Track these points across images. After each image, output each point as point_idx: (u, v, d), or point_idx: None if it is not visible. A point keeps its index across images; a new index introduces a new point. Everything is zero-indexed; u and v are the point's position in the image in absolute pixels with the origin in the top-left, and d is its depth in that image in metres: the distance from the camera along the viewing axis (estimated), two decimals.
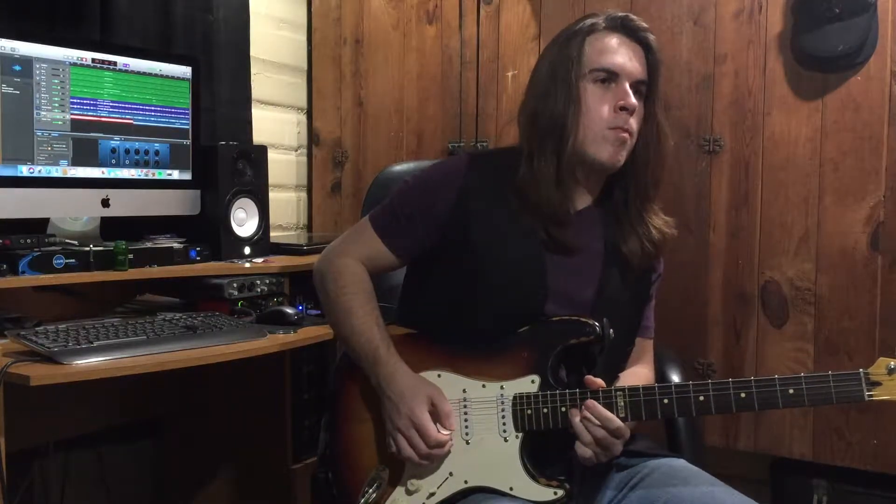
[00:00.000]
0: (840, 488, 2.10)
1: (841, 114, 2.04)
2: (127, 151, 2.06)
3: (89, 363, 1.50)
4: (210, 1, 2.48)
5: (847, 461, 2.06)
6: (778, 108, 2.12)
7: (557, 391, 1.32)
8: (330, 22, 2.81)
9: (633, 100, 1.37)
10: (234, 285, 2.04)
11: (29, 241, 1.79)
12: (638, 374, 1.49)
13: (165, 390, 2.24)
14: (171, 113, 2.15)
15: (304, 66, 2.90)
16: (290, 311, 1.94)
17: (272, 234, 2.37)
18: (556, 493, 1.30)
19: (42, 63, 1.87)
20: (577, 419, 1.29)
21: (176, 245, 2.08)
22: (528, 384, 1.35)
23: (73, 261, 1.84)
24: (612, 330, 1.35)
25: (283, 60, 2.83)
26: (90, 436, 2.20)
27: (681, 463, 1.40)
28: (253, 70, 2.65)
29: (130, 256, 1.92)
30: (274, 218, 2.53)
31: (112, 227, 2.07)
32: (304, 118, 2.92)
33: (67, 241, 1.92)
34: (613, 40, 1.38)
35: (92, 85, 1.98)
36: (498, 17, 2.49)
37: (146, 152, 2.10)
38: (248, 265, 2.16)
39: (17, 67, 1.83)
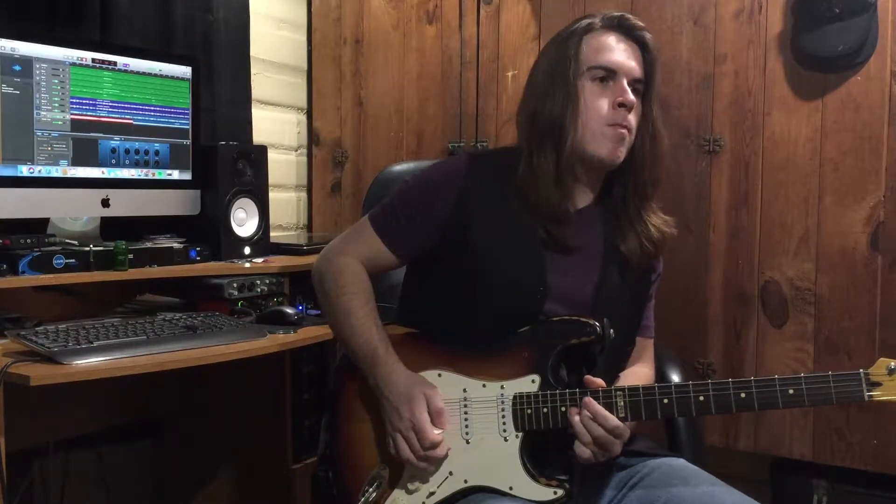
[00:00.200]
0: (840, 488, 2.10)
1: (841, 114, 2.04)
2: (127, 151, 2.06)
3: (89, 363, 1.50)
4: (210, 1, 2.48)
5: (847, 461, 2.06)
6: (778, 108, 2.12)
7: (557, 391, 1.33)
8: (330, 22, 2.81)
9: (631, 96, 1.37)
10: (234, 285, 2.04)
11: (29, 241, 1.80)
12: (638, 373, 1.49)
13: (165, 390, 2.24)
14: (171, 113, 2.15)
15: (304, 66, 2.90)
16: (290, 311, 1.94)
17: (272, 234, 2.37)
18: (555, 493, 1.30)
19: (42, 63, 1.87)
20: (576, 418, 1.29)
21: (176, 245, 2.08)
22: (529, 384, 1.35)
23: (73, 261, 1.84)
24: (612, 330, 1.35)
25: (283, 60, 2.83)
26: (90, 436, 2.20)
27: (681, 462, 1.40)
28: (253, 70, 2.65)
29: (130, 256, 1.92)
30: (274, 218, 2.53)
31: (112, 227, 2.07)
32: (304, 118, 2.92)
33: (67, 241, 1.92)
34: (611, 39, 1.39)
35: (92, 85, 1.98)
36: (498, 17, 2.49)
37: (146, 152, 2.10)
38: (248, 265, 2.16)
39: (17, 67, 1.83)
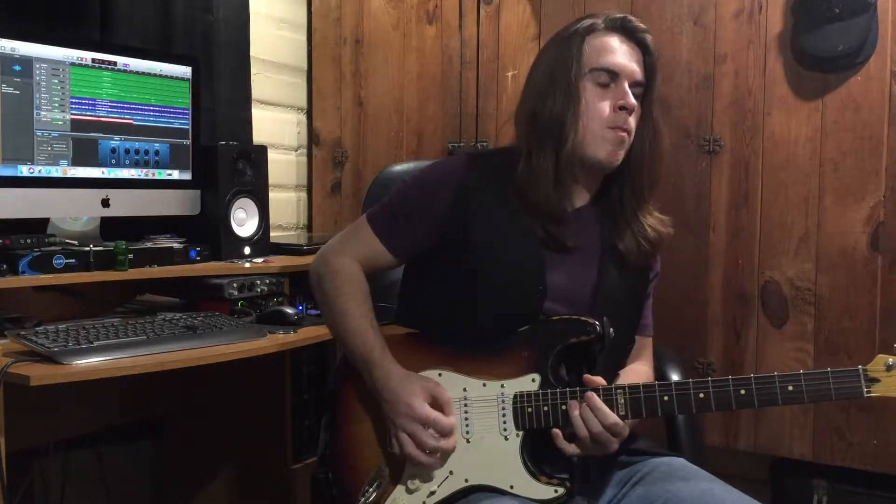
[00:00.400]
0: (840, 488, 2.10)
1: (841, 114, 2.04)
2: (127, 151, 2.06)
3: (89, 363, 1.50)
4: (210, 1, 2.48)
5: (847, 461, 2.06)
6: (778, 108, 2.12)
7: (558, 389, 1.33)
8: (330, 22, 2.81)
9: (632, 99, 1.37)
10: (234, 285, 2.04)
11: (29, 241, 1.80)
12: (637, 371, 1.50)
13: (165, 390, 2.24)
14: (171, 113, 2.15)
15: (304, 66, 2.90)
16: (290, 311, 1.94)
17: (272, 234, 2.37)
18: (556, 492, 1.31)
19: (42, 63, 1.87)
20: (575, 412, 1.29)
21: (176, 245, 2.08)
22: (529, 383, 1.35)
23: (73, 261, 1.84)
24: (612, 329, 1.36)
25: (283, 60, 2.83)
26: (90, 436, 2.20)
27: (681, 462, 1.40)
28: (253, 70, 2.65)
29: (130, 256, 1.92)
30: (274, 218, 2.53)
31: (112, 227, 2.07)
32: (304, 118, 2.92)
33: (67, 241, 1.92)
34: (613, 40, 1.39)
35: (92, 85, 1.98)
36: (498, 17, 2.50)
37: (146, 152, 2.10)
38: (248, 265, 2.16)
39: (17, 67, 1.83)
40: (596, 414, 1.27)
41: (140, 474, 2.39)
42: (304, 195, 2.92)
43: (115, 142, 2.04)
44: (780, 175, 2.12)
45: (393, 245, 1.46)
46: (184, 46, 2.39)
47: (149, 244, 2.06)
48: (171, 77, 2.15)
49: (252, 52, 2.64)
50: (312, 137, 2.88)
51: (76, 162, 1.96)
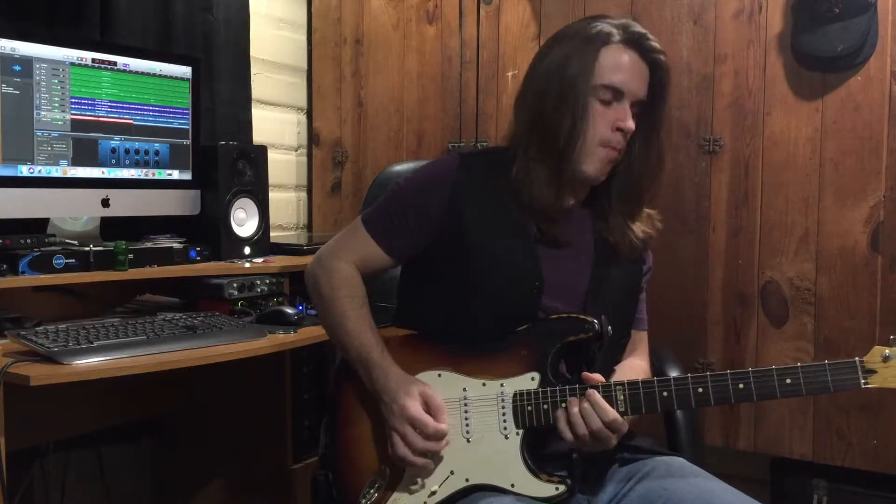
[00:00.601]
0: (840, 488, 2.10)
1: (841, 114, 2.04)
2: (127, 151, 2.06)
3: (89, 363, 1.50)
4: (210, 1, 2.48)
5: (847, 461, 2.06)
6: (778, 108, 2.12)
7: (557, 387, 1.33)
8: (330, 22, 2.81)
9: (632, 124, 1.37)
10: (234, 285, 2.04)
11: (29, 241, 1.80)
12: (634, 365, 1.51)
13: (165, 390, 2.24)
14: (170, 113, 2.15)
15: (304, 66, 2.90)
16: (290, 311, 1.94)
17: (272, 234, 2.37)
18: (557, 489, 1.31)
19: (42, 63, 1.88)
20: (574, 409, 1.29)
21: (176, 245, 2.08)
22: (528, 381, 1.35)
23: (73, 261, 1.84)
24: (610, 327, 1.36)
25: (283, 60, 2.83)
26: (90, 436, 2.20)
27: (681, 461, 1.40)
28: (253, 70, 2.65)
29: (130, 256, 1.92)
30: (274, 218, 2.53)
31: (112, 227, 2.07)
32: (304, 118, 2.92)
33: (67, 241, 1.93)
34: (626, 57, 1.37)
35: (92, 85, 1.98)
36: (498, 17, 2.49)
37: (146, 152, 2.10)
38: (248, 265, 2.16)
39: (17, 67, 1.83)
40: (596, 411, 1.28)
41: (140, 474, 2.39)
42: (304, 195, 2.92)
43: (115, 142, 2.04)
44: (780, 175, 2.12)
45: (388, 246, 1.46)
46: (184, 46, 2.39)
47: (149, 244, 2.06)
48: (171, 77, 2.15)
49: (252, 52, 2.64)
50: (312, 137, 2.88)
51: (76, 162, 1.96)
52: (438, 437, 1.32)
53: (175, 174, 2.17)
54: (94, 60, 1.98)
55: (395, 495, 1.36)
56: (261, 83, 2.72)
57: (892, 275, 2.00)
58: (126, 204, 2.06)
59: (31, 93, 1.85)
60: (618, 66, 1.36)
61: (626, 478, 1.38)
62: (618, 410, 1.28)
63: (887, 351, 1.21)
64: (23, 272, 1.75)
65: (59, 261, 1.81)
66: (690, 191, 2.22)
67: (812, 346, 2.07)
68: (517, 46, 2.46)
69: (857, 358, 1.22)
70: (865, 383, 1.21)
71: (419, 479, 1.35)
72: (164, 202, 2.15)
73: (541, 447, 1.36)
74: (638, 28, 1.38)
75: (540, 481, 1.31)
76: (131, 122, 2.07)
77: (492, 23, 2.50)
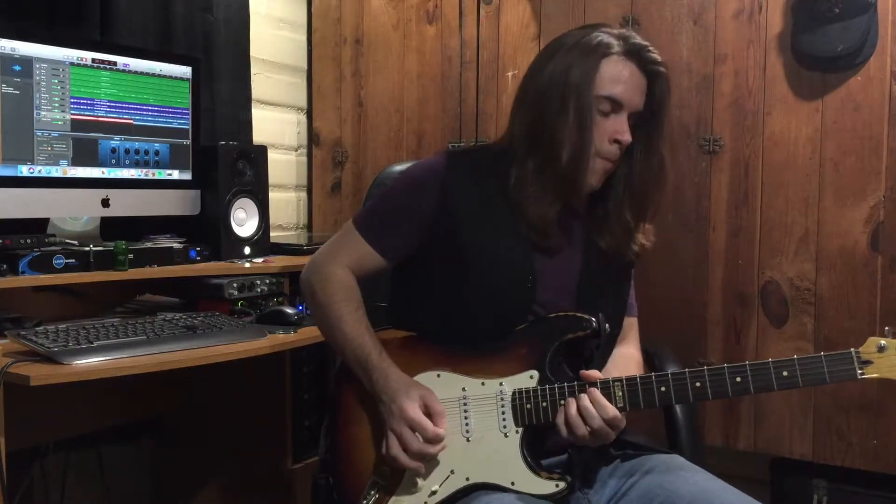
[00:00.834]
0: (840, 488, 2.10)
1: (841, 114, 2.04)
2: (127, 151, 2.06)
3: (89, 363, 1.50)
4: (210, 1, 2.48)
5: (847, 461, 2.06)
6: (778, 108, 2.12)
7: (556, 385, 1.33)
8: (330, 22, 2.81)
9: (629, 136, 1.37)
10: (234, 285, 2.04)
11: (29, 241, 1.80)
12: (626, 355, 1.51)
13: (165, 390, 2.24)
14: (170, 113, 2.15)
15: (304, 66, 2.90)
16: (290, 311, 1.94)
17: (272, 234, 2.37)
18: (557, 486, 1.31)
19: (42, 63, 1.87)
20: (572, 409, 1.29)
21: (176, 245, 2.08)
22: (527, 379, 1.35)
23: (73, 261, 1.84)
24: (608, 325, 1.37)
25: (283, 60, 2.83)
26: (90, 436, 2.20)
27: (680, 460, 1.41)
28: (253, 70, 2.65)
29: (130, 256, 1.92)
30: (274, 218, 2.53)
31: (112, 227, 2.07)
32: (304, 118, 2.92)
33: (67, 241, 1.93)
34: (626, 70, 1.37)
35: (92, 85, 1.98)
36: (498, 17, 2.49)
37: (146, 152, 2.10)
38: (248, 265, 2.16)
39: (17, 67, 1.83)
40: (597, 409, 1.28)
41: (140, 474, 2.39)
42: (304, 195, 2.92)
43: (115, 142, 2.04)
44: (780, 175, 2.12)
45: (382, 247, 1.46)
46: (184, 46, 2.39)
47: (149, 244, 2.06)
48: (171, 77, 2.15)
49: (252, 52, 2.64)
50: (312, 137, 2.88)
51: (76, 162, 1.96)
52: (436, 440, 1.32)
53: (175, 174, 2.17)
54: (94, 60, 1.98)
55: (396, 496, 1.36)
56: (261, 83, 2.72)
57: (892, 275, 2.00)
58: (126, 204, 2.06)
59: (31, 93, 1.85)
60: (618, 77, 1.36)
61: (627, 474, 1.39)
62: (616, 406, 1.29)
63: (882, 342, 1.21)
64: (23, 272, 1.75)
65: (59, 261, 1.81)
66: (690, 191, 2.22)
67: (812, 346, 2.07)
68: (517, 46, 2.46)
69: (852, 349, 1.23)
70: (861, 374, 1.22)
71: (419, 480, 1.35)
72: (164, 202, 2.15)
73: (540, 445, 1.36)
74: (638, 40, 1.39)
75: (540, 479, 1.32)
76: (131, 122, 2.07)
77: (492, 23, 2.50)
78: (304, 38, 2.89)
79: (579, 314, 1.37)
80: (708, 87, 2.20)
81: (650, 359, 1.67)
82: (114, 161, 2.03)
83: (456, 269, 1.41)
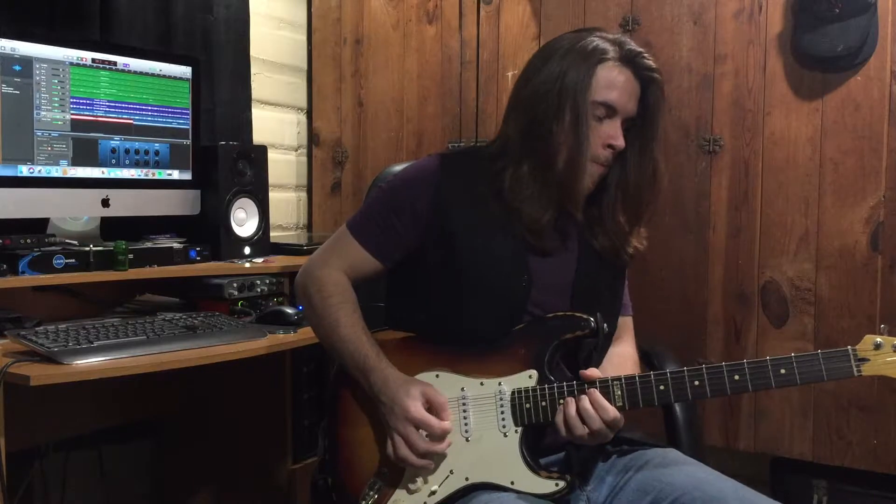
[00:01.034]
0: (840, 488, 2.10)
1: (841, 114, 2.04)
2: (127, 151, 2.06)
3: (89, 363, 1.50)
4: (210, 1, 2.48)
5: (847, 461, 2.06)
6: (778, 108, 2.12)
7: (555, 385, 1.33)
8: (330, 22, 2.81)
9: (622, 141, 1.38)
10: (234, 285, 2.05)
11: (29, 241, 1.80)
12: (622, 353, 1.52)
13: (165, 390, 2.24)
14: (170, 113, 2.15)
15: (304, 66, 2.90)
16: (290, 311, 1.94)
17: (272, 234, 2.37)
18: (556, 485, 1.31)
19: (42, 63, 1.88)
20: (571, 409, 1.29)
21: (176, 245, 2.08)
22: (526, 379, 1.35)
23: (73, 261, 1.84)
24: (606, 324, 1.37)
25: (283, 60, 2.83)
26: (90, 436, 2.20)
27: (675, 453, 1.42)
28: (253, 70, 2.65)
29: (130, 256, 1.92)
30: (274, 218, 2.53)
31: (112, 227, 2.07)
32: (304, 118, 2.92)
33: (67, 241, 1.93)
34: (621, 76, 1.38)
35: (92, 85, 1.98)
36: (498, 17, 2.49)
37: (146, 152, 2.10)
38: (248, 265, 2.16)
39: (17, 67, 1.83)
40: (598, 410, 1.28)
41: (139, 474, 2.39)
42: (304, 195, 2.92)
43: (115, 142, 2.04)
44: (780, 175, 2.12)
45: (376, 250, 1.47)
46: (184, 46, 2.39)
47: (149, 244, 2.06)
48: (171, 77, 2.15)
49: (252, 52, 2.64)
50: (312, 137, 2.88)
51: (76, 162, 1.96)
52: (443, 436, 1.32)
53: (175, 174, 2.17)
54: (94, 60, 1.98)
55: (396, 496, 1.36)
56: (261, 83, 2.72)
57: (892, 275, 2.00)
58: (126, 204, 2.06)
59: (31, 93, 1.85)
60: (613, 84, 1.37)
61: (623, 470, 1.39)
62: (615, 405, 1.29)
63: (879, 339, 1.22)
64: (23, 272, 1.75)
65: (59, 261, 1.81)
66: (690, 191, 2.22)
67: (812, 346, 2.07)
68: (517, 46, 2.46)
69: (849, 347, 1.23)
70: (858, 371, 1.22)
71: (419, 480, 1.35)
72: (164, 202, 2.15)
73: (539, 444, 1.37)
74: (633, 46, 1.40)
75: (540, 478, 1.32)
76: (131, 122, 2.07)
77: (492, 23, 2.50)
78: (304, 38, 2.89)
79: (578, 314, 1.38)
80: (708, 87, 2.20)
81: (650, 358, 1.67)
82: (114, 161, 2.04)
83: (451, 270, 1.41)
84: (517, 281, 1.40)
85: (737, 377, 1.27)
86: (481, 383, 1.37)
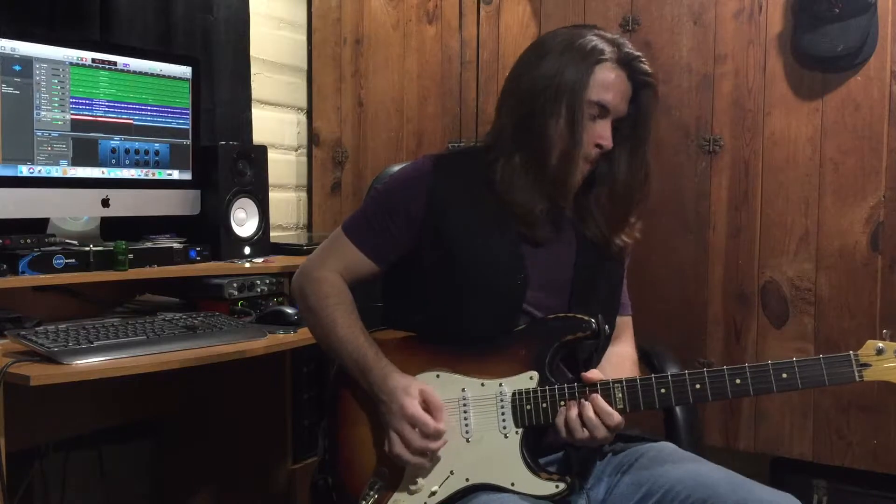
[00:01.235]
0: (840, 488, 2.10)
1: (841, 114, 2.04)
2: (127, 151, 2.06)
3: (89, 363, 1.50)
4: (210, 1, 2.48)
5: (847, 461, 2.06)
6: (778, 108, 2.12)
7: (556, 386, 1.33)
8: (330, 22, 2.81)
9: (611, 142, 1.39)
10: (234, 285, 2.05)
11: (29, 241, 1.80)
12: (622, 353, 1.52)
13: (165, 390, 2.24)
14: (170, 113, 2.15)
15: (304, 66, 2.90)
16: (290, 311, 1.94)
17: (272, 234, 2.37)
18: (557, 487, 1.31)
19: (42, 63, 1.88)
20: (573, 412, 1.29)
21: (176, 245, 2.08)
22: (527, 380, 1.35)
23: (73, 261, 1.84)
24: (607, 325, 1.37)
25: (283, 60, 2.83)
26: (90, 436, 2.20)
27: (670, 447, 1.42)
28: (253, 70, 2.65)
29: (130, 256, 1.92)
30: (274, 218, 2.53)
31: (112, 227, 2.07)
32: (304, 118, 2.92)
33: (67, 241, 1.93)
34: (616, 77, 1.39)
35: (92, 85, 1.98)
36: (498, 17, 2.49)
37: (146, 152, 2.10)
38: (248, 265, 2.16)
39: (17, 67, 1.83)
40: (601, 416, 1.28)
41: (139, 474, 2.39)
42: (304, 195, 2.92)
43: (115, 142, 2.04)
44: (780, 175, 2.12)
45: (372, 252, 1.47)
46: (184, 46, 2.39)
47: (149, 244, 2.06)
48: (171, 77, 2.15)
49: (252, 52, 2.64)
50: (312, 137, 2.88)
51: (76, 162, 1.96)
52: (437, 436, 1.33)
53: (175, 174, 2.17)
54: (94, 60, 1.98)
55: (395, 496, 1.36)
56: (261, 83, 2.72)
57: (892, 275, 2.00)
58: (126, 204, 2.06)
59: (31, 93, 1.85)
60: (609, 84, 1.38)
61: (618, 467, 1.40)
62: (616, 408, 1.29)
63: (881, 344, 1.22)
64: (23, 272, 1.75)
65: (59, 261, 1.81)
66: (690, 191, 2.22)
67: (812, 347, 2.07)
68: (517, 46, 2.45)
69: (851, 352, 1.24)
70: (860, 377, 1.22)
71: (419, 480, 1.35)
72: (164, 202, 2.15)
73: (540, 445, 1.37)
74: (630, 49, 1.41)
75: (540, 479, 1.32)
76: (131, 122, 2.06)
77: (492, 23, 2.50)
78: (304, 38, 2.89)
79: (579, 315, 1.38)
80: (708, 87, 2.20)
81: (650, 359, 1.67)
82: (114, 161, 2.03)
83: (446, 270, 1.41)
84: (512, 280, 1.40)
85: (738, 381, 1.27)
86: (482, 384, 1.37)
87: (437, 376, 1.39)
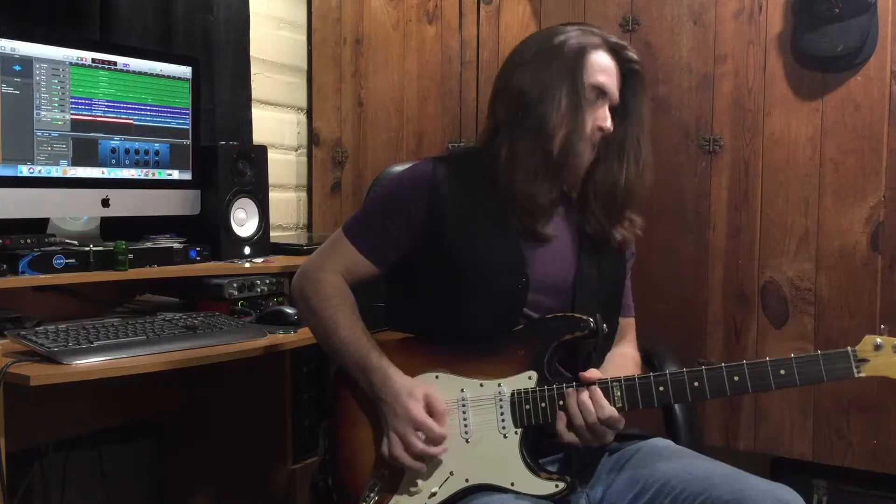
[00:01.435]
0: (840, 488, 2.10)
1: (841, 114, 2.04)
2: (127, 151, 2.06)
3: (89, 363, 1.50)
4: (210, 1, 2.48)
5: (847, 461, 2.06)
6: (778, 108, 2.12)
7: (555, 386, 1.33)
8: (330, 22, 2.81)
9: (611, 125, 1.41)
10: (234, 285, 2.05)
11: (29, 241, 1.80)
12: (624, 354, 1.52)
13: (165, 390, 2.24)
14: (170, 113, 2.15)
15: (304, 66, 2.90)
16: (290, 311, 1.94)
17: (272, 234, 2.37)
18: (556, 486, 1.31)
19: (42, 63, 1.88)
20: (572, 400, 1.30)
21: (176, 245, 2.08)
22: (526, 380, 1.35)
23: (73, 261, 1.84)
24: (605, 325, 1.38)
25: (283, 60, 2.83)
26: (90, 436, 2.20)
27: (666, 442, 1.43)
28: (253, 70, 2.65)
29: (130, 256, 1.92)
30: (274, 218, 2.53)
31: (112, 227, 2.07)
32: (304, 118, 2.92)
33: (67, 241, 1.93)
34: (609, 61, 1.42)
35: (92, 85, 1.98)
36: (498, 17, 2.49)
37: (146, 152, 2.10)
38: (248, 265, 2.16)
39: (17, 67, 1.83)
40: (595, 407, 1.29)
41: (139, 474, 2.39)
42: (304, 195, 2.92)
43: (115, 142, 2.04)
44: (780, 175, 2.12)
45: (372, 254, 1.47)
46: (184, 46, 2.39)
47: (149, 244, 2.06)
48: (171, 77, 2.15)
49: (252, 52, 2.64)
50: (312, 137, 2.88)
51: (76, 162, 1.96)
52: (440, 441, 1.33)
53: (175, 174, 2.17)
54: (94, 60, 1.98)
55: (396, 497, 1.36)
56: (261, 83, 2.72)
57: (892, 275, 2.00)
58: (126, 204, 2.06)
59: (31, 93, 1.85)
60: (604, 68, 1.41)
61: (615, 465, 1.40)
62: (615, 406, 1.30)
63: (879, 340, 1.22)
64: (23, 272, 1.75)
65: (59, 261, 1.81)
66: (690, 191, 2.22)
67: (812, 347, 2.07)
68: None
69: (849, 347, 1.24)
70: (858, 372, 1.23)
71: (419, 481, 1.35)
72: (164, 202, 2.15)
73: (539, 445, 1.37)
74: (616, 39, 1.45)
75: (540, 479, 1.32)
76: (131, 122, 2.07)
77: (492, 23, 2.50)
78: (304, 38, 2.89)
79: (577, 315, 1.38)
80: (708, 87, 2.20)
81: (650, 359, 1.67)
82: (114, 161, 2.04)
83: (448, 272, 1.41)
84: (514, 281, 1.40)
85: (736, 378, 1.27)
86: (481, 384, 1.37)
87: (437, 377, 1.39)
